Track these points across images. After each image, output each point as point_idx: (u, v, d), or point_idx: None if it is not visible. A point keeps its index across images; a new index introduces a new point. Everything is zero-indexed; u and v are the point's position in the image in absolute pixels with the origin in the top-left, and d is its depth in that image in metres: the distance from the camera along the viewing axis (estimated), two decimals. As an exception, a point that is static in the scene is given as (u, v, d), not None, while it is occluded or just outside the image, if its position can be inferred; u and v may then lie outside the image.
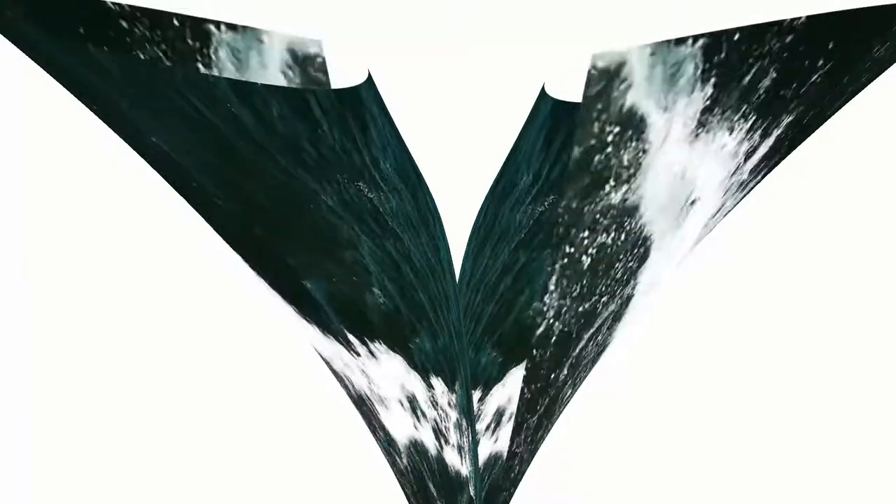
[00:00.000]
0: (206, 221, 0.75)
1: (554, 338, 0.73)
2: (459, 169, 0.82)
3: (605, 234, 0.70)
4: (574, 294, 0.71)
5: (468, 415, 0.75)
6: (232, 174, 0.69)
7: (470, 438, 0.75)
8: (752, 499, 0.89)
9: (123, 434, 0.90)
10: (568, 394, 0.78)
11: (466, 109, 0.89)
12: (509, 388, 0.76)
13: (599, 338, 0.77)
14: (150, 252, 0.91)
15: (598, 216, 0.68)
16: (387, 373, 0.75)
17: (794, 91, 0.67)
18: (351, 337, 0.75)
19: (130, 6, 0.74)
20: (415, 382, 0.74)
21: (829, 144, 0.79)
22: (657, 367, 0.90)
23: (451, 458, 0.76)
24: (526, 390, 0.74)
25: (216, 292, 0.90)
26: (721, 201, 0.74)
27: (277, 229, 0.72)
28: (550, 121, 0.83)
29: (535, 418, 0.76)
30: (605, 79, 0.61)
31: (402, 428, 0.76)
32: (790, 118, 0.69)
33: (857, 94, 0.72)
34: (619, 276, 0.73)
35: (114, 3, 0.74)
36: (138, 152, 0.73)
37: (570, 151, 0.64)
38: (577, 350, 0.75)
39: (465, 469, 0.76)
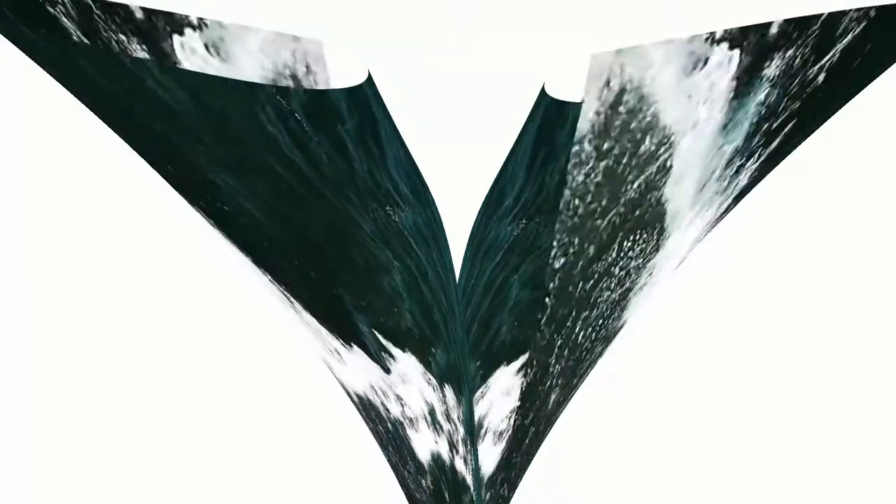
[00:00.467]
0: (260, 266, 0.74)
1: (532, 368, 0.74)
2: (459, 170, 0.82)
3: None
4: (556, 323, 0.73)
5: (470, 426, 0.75)
6: (296, 218, 0.70)
7: (470, 446, 0.76)
8: (752, 499, 0.89)
9: (124, 434, 0.90)
10: (552, 410, 0.79)
11: (466, 110, 0.89)
12: (489, 398, 0.77)
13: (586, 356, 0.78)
14: (151, 252, 0.91)
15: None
16: (414, 390, 0.75)
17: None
18: (389, 364, 0.76)
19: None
20: (432, 396, 0.75)
21: (828, 144, 0.79)
22: (657, 367, 0.90)
23: (460, 466, 0.77)
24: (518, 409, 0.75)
25: (216, 292, 0.90)
26: (690, 248, 0.76)
27: (333, 267, 0.72)
28: (533, 145, 0.83)
29: (517, 431, 0.77)
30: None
31: (425, 445, 0.77)
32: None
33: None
34: (604, 310, 0.75)
35: None
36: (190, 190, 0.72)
37: (550, 178, 0.66)
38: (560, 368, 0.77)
39: (469, 477, 0.76)
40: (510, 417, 0.76)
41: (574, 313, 0.73)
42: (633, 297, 0.76)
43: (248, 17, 0.82)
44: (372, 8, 0.93)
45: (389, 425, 0.78)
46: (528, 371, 0.75)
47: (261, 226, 0.71)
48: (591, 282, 0.72)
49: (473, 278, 0.76)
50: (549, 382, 0.75)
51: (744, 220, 0.82)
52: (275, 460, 0.89)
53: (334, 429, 0.87)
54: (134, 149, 0.72)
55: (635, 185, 0.67)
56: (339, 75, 0.85)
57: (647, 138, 0.65)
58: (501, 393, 0.75)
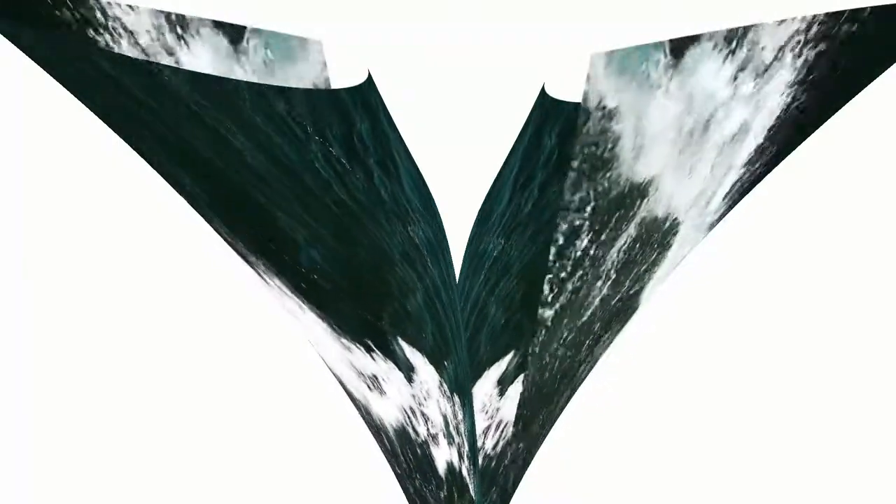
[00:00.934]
0: (298, 294, 0.75)
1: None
2: (459, 172, 0.82)
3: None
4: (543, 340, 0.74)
5: (472, 438, 0.76)
6: (343, 247, 0.71)
7: (469, 451, 0.77)
8: (752, 499, 0.89)
9: (126, 434, 0.90)
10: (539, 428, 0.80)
11: (466, 110, 0.89)
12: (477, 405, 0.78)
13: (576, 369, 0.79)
14: (150, 253, 0.91)
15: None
16: (434, 403, 0.76)
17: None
18: (413, 375, 0.77)
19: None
20: (446, 406, 0.76)
21: (828, 144, 0.79)
22: (657, 366, 0.90)
23: (465, 471, 0.78)
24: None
25: (215, 293, 0.90)
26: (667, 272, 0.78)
27: (375, 294, 0.74)
28: (521, 162, 0.85)
29: (504, 441, 0.78)
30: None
31: (442, 457, 0.78)
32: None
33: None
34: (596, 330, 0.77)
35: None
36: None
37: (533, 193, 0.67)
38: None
39: (469, 480, 0.77)
40: (489, 434, 0.78)
41: (547, 334, 0.75)
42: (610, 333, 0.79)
43: (249, 18, 0.82)
44: (372, 8, 0.93)
45: (419, 450, 0.78)
46: (504, 388, 0.76)
47: (324, 272, 0.72)
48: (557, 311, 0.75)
49: (464, 294, 0.78)
50: (525, 399, 0.77)
51: (744, 220, 0.82)
52: (275, 461, 0.89)
53: (349, 446, 0.87)
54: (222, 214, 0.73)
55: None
56: (339, 75, 0.85)
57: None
58: (482, 403, 0.77)
